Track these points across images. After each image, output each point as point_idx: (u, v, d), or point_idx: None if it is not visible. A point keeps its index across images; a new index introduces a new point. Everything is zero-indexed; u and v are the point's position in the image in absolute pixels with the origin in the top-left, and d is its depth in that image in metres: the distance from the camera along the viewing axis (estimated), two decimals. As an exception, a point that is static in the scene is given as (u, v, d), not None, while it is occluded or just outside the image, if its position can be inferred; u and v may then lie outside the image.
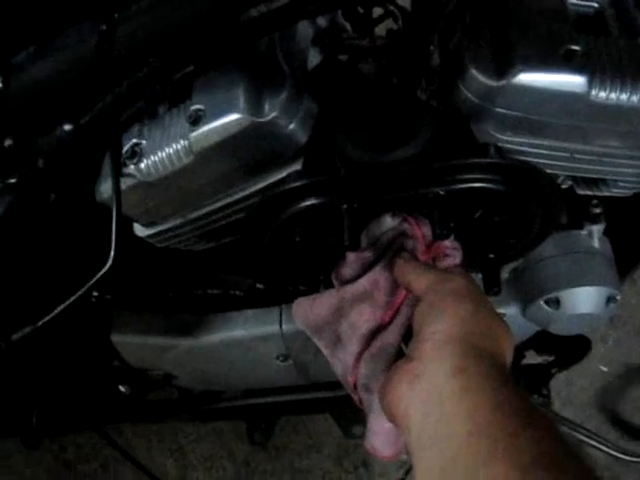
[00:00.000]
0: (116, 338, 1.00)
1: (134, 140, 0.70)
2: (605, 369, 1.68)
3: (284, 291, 0.96)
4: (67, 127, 0.71)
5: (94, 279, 0.66)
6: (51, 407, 1.15)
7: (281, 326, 0.96)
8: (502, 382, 0.49)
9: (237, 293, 0.99)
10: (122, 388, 1.13)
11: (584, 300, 0.88)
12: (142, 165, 0.68)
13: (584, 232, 0.88)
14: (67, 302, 0.67)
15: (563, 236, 0.87)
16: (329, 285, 0.72)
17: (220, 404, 1.30)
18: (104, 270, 0.67)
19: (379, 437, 0.66)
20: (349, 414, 1.36)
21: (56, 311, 0.68)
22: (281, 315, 0.96)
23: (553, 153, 0.67)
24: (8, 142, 0.75)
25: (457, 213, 0.64)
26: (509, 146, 0.66)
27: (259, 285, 0.96)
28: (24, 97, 0.71)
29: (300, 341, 0.98)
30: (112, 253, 0.67)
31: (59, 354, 1.03)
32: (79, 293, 0.67)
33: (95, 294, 0.94)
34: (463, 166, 0.63)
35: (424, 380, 0.51)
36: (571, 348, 1.07)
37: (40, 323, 0.69)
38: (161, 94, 0.72)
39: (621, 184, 0.73)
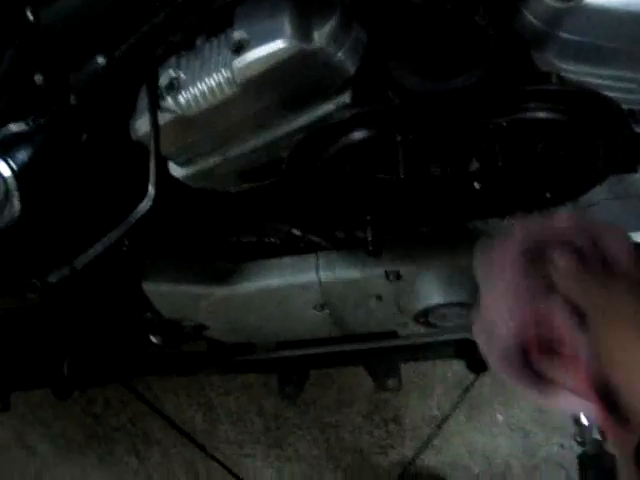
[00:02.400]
0: (148, 287, 0.97)
1: (171, 73, 0.66)
2: None
3: (322, 237, 0.93)
4: (100, 60, 0.68)
5: (133, 217, 0.64)
6: (83, 358, 1.14)
7: (319, 274, 0.93)
8: None
9: (272, 240, 0.96)
10: (154, 339, 1.11)
11: (637, 247, 0.85)
12: (180, 98, 0.65)
13: (638, 176, 0.84)
14: (107, 241, 0.65)
15: (616, 179, 0.84)
16: (376, 226, 0.69)
17: (251, 357, 1.28)
18: (144, 209, 0.64)
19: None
20: (384, 367, 1.33)
21: (94, 251, 0.65)
22: (318, 262, 0.93)
23: (618, 84, 0.62)
24: (39, 78, 0.72)
25: (518, 146, 0.60)
26: (572, 76, 0.62)
27: (295, 231, 0.93)
28: (55, 30, 0.68)
29: (338, 290, 0.95)
30: (152, 192, 0.64)
31: (91, 304, 1.01)
32: (118, 232, 0.64)
33: (126, 242, 0.92)
34: (528, 93, 0.59)
35: None
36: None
37: (77, 264, 0.66)
38: (199, 24, 0.69)
39: (688, 122, 0.68)
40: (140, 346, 1.15)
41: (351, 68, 0.63)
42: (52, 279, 0.66)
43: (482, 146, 0.61)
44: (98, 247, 0.66)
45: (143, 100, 0.69)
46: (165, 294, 0.98)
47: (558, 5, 0.57)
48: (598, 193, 0.83)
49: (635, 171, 0.83)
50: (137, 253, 0.97)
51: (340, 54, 0.62)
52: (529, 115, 0.59)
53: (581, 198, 0.81)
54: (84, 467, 1.72)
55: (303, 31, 0.60)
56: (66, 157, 0.77)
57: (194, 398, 1.68)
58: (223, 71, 0.62)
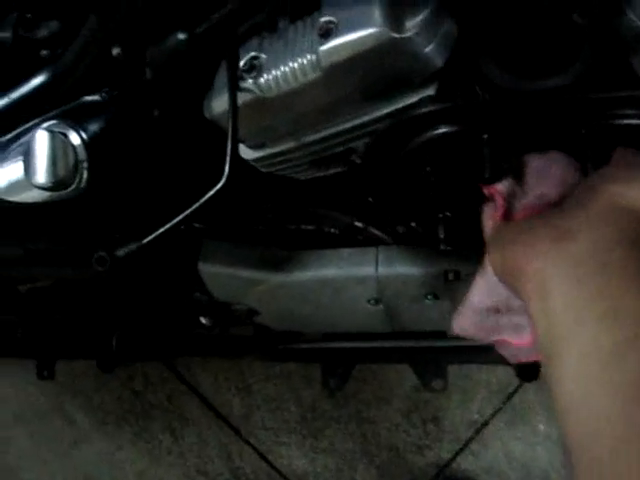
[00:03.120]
0: (203, 268, 0.97)
1: (253, 53, 0.65)
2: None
3: (383, 231, 0.92)
4: (181, 36, 0.67)
5: (207, 195, 0.63)
6: (132, 333, 1.15)
7: (377, 268, 0.91)
8: None
9: (333, 231, 0.95)
10: (203, 320, 1.11)
11: None
12: (261, 80, 0.64)
13: None
14: (177, 219, 0.64)
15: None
16: (449, 224, 0.68)
17: (297, 345, 1.27)
18: (216, 188, 0.63)
19: (472, 316, 0.62)
20: (430, 367, 1.32)
21: (164, 228, 0.65)
22: (377, 257, 0.92)
23: None
24: (116, 51, 0.72)
25: (609, 151, 0.58)
26: (671, 83, 0.59)
27: (358, 223, 0.92)
28: (136, 3, 0.67)
29: (395, 285, 0.94)
30: (227, 170, 0.63)
31: (146, 280, 1.02)
32: (189, 210, 0.64)
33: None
34: (623, 99, 0.56)
35: (580, 240, 0.43)
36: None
37: (146, 240, 0.66)
38: (282, 7, 0.68)
39: None
40: (188, 326, 1.15)
41: (439, 61, 0.61)
42: (120, 253, 0.66)
43: (572, 150, 0.59)
44: (167, 225, 0.65)
45: (221, 79, 0.68)
46: (220, 276, 0.98)
47: (665, 8, 0.54)
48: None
49: None
50: (196, 233, 0.97)
51: (431, 46, 0.59)
52: (622, 121, 0.57)
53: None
54: (119, 441, 1.74)
55: (395, 20, 0.58)
56: (137, 131, 0.77)
57: (233, 382, 1.69)
58: (308, 55, 0.61)
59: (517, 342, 0.59)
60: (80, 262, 0.69)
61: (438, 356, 1.28)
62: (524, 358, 0.60)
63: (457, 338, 1.22)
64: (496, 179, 0.57)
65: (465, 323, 0.64)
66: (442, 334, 1.23)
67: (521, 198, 0.56)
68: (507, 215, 0.56)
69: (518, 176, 0.58)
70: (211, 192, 0.63)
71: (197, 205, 0.64)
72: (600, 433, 0.39)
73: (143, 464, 1.75)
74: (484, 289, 0.59)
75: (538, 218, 0.48)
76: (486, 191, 0.59)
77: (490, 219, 0.58)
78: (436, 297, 0.94)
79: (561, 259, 0.43)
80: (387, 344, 1.23)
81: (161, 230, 0.66)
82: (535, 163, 0.58)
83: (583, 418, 0.40)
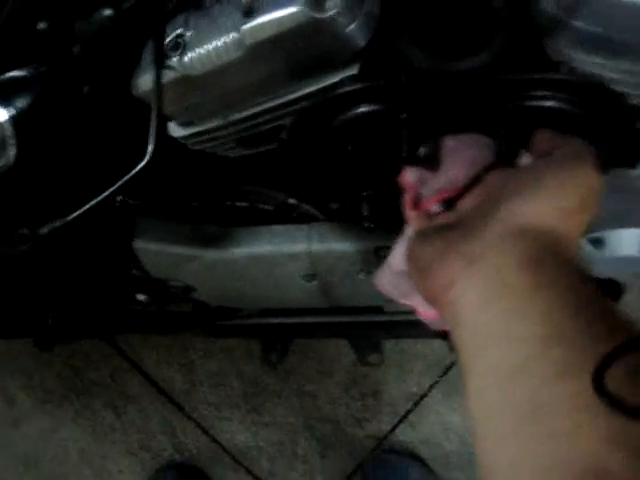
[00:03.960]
0: (138, 245, 0.97)
1: (178, 31, 0.65)
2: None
3: (316, 208, 0.93)
4: (108, 12, 0.67)
5: (130, 174, 0.63)
6: (67, 311, 1.14)
7: (310, 245, 0.93)
8: (582, 282, 0.43)
9: (266, 207, 0.95)
10: (140, 297, 1.11)
11: (630, 242, 0.85)
12: (186, 58, 0.63)
13: (638, 172, 0.84)
14: (101, 196, 0.64)
15: (615, 174, 0.84)
16: (373, 202, 0.69)
17: (236, 321, 1.28)
18: (140, 166, 0.63)
19: (389, 277, 0.65)
20: (367, 341, 1.34)
21: (88, 205, 0.65)
22: (310, 233, 0.93)
23: (630, 79, 0.62)
24: (42, 25, 0.71)
25: (522, 132, 0.59)
26: (583, 66, 0.60)
27: (291, 200, 0.93)
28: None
29: (328, 261, 0.95)
30: (150, 149, 0.63)
31: (79, 257, 1.01)
32: (113, 188, 0.64)
33: (119, 198, 0.91)
34: (536, 81, 0.58)
35: (485, 266, 0.45)
36: (605, 292, 1.04)
37: (70, 218, 0.66)
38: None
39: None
40: (125, 303, 1.15)
41: (361, 41, 0.61)
42: (43, 231, 0.65)
43: (487, 129, 0.60)
44: (92, 202, 0.65)
45: (147, 57, 0.67)
46: (155, 253, 0.98)
47: (576, -8, 0.56)
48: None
49: (634, 166, 0.83)
50: (129, 210, 0.96)
51: (352, 25, 0.60)
52: (534, 103, 0.59)
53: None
54: (61, 419, 1.73)
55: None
56: (66, 107, 0.76)
57: (175, 358, 1.69)
58: (232, 33, 0.61)
59: (424, 313, 0.61)
60: (3, 240, 0.68)
61: (374, 331, 1.31)
62: (439, 327, 0.62)
63: (392, 313, 1.26)
64: (413, 159, 0.59)
65: (383, 282, 0.67)
66: (378, 309, 1.26)
67: (432, 183, 0.58)
68: (416, 202, 0.57)
69: (430, 160, 0.59)
70: (134, 171, 0.63)
71: (120, 183, 0.64)
72: (497, 453, 0.41)
73: (85, 441, 1.74)
74: (402, 254, 0.60)
75: (448, 241, 0.48)
76: (399, 180, 0.60)
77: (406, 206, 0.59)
78: (369, 273, 0.95)
79: (469, 285, 0.45)
80: (324, 319, 1.24)
81: (86, 207, 0.66)
82: (449, 145, 0.60)
83: (483, 438, 0.42)
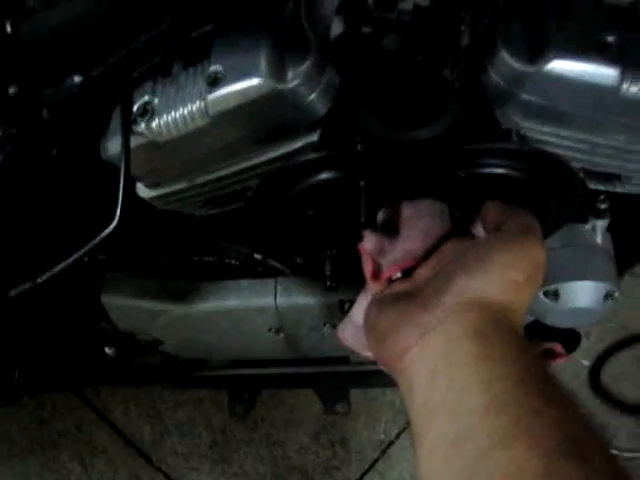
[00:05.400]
0: (107, 299, 0.98)
1: (146, 97, 0.67)
2: (587, 363, 1.70)
3: (282, 263, 0.95)
4: (77, 79, 0.69)
5: (99, 237, 0.65)
6: (34, 364, 1.14)
7: (276, 299, 0.95)
8: (524, 352, 0.46)
9: (233, 262, 0.97)
10: (108, 350, 1.12)
11: (583, 294, 0.88)
12: (153, 124, 0.66)
13: (588, 226, 0.88)
14: (70, 260, 0.66)
15: (567, 229, 0.87)
16: (335, 261, 0.72)
17: (204, 373, 1.29)
18: (109, 229, 0.65)
19: (352, 331, 0.68)
20: (334, 391, 1.36)
21: (57, 269, 0.66)
22: (276, 287, 0.96)
23: (574, 145, 0.66)
24: (13, 89, 0.73)
25: (475, 197, 0.62)
26: (531, 134, 0.64)
27: (257, 255, 0.95)
28: (34, 44, 0.69)
29: (294, 315, 0.97)
30: (118, 212, 0.65)
31: (48, 310, 1.02)
32: (83, 251, 0.65)
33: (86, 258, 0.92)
34: (487, 150, 0.61)
35: (437, 338, 0.48)
36: (562, 341, 1.07)
37: (40, 280, 0.67)
38: (177, 52, 0.70)
39: (635, 181, 0.72)
40: (94, 356, 1.15)
41: (322, 109, 0.65)
42: (13, 293, 0.67)
43: (442, 196, 0.63)
44: (61, 264, 0.66)
45: (116, 121, 0.69)
46: (123, 308, 0.99)
47: (521, 68, 0.59)
48: (550, 241, 0.86)
49: (586, 221, 0.87)
50: (98, 265, 0.98)
51: (313, 95, 0.63)
52: (487, 170, 0.62)
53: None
54: (26, 472, 1.70)
55: (278, 71, 0.61)
56: (35, 169, 0.78)
57: (143, 409, 1.68)
58: (197, 102, 0.63)
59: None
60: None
61: (341, 381, 1.32)
62: None
63: (358, 363, 1.27)
64: (370, 224, 0.62)
65: (345, 335, 0.70)
66: (344, 359, 1.27)
67: (389, 253, 0.61)
68: (376, 273, 0.60)
69: (389, 226, 0.62)
70: (103, 234, 0.64)
71: (90, 246, 0.65)
72: None
73: (52, 495, 1.71)
74: (363, 309, 0.62)
75: (403, 312, 0.51)
76: (359, 248, 0.63)
77: (367, 276, 0.62)
78: (334, 326, 0.97)
79: (420, 356, 0.48)
80: (291, 370, 1.26)
81: (55, 270, 0.67)
82: (405, 213, 0.63)
83: None
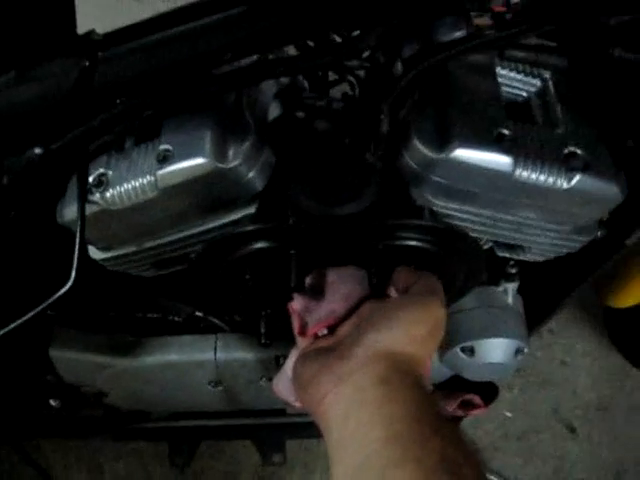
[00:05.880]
0: (54, 353, 1.03)
1: (101, 170, 0.74)
2: (509, 415, 1.79)
3: (221, 320, 1.02)
4: (37, 150, 0.75)
5: (53, 297, 0.71)
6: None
7: (216, 353, 1.01)
8: (421, 393, 0.55)
9: (176, 319, 1.04)
10: (53, 402, 1.15)
11: (496, 350, 0.97)
12: (107, 194, 0.73)
13: (500, 289, 0.97)
14: (25, 318, 0.71)
15: (481, 291, 0.97)
16: (269, 320, 0.80)
17: (145, 424, 1.33)
18: (64, 290, 0.71)
19: (285, 383, 0.75)
20: (270, 442, 1.41)
21: (12, 325, 0.72)
22: (216, 343, 1.02)
23: (478, 219, 0.75)
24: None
25: (391, 266, 0.71)
26: (441, 210, 0.74)
27: (198, 313, 1.02)
28: (-1, 118, 0.75)
29: (232, 369, 1.04)
30: (73, 274, 0.71)
31: (-4, 364, 1.06)
32: (38, 309, 0.71)
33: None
34: (401, 226, 0.70)
35: (349, 384, 0.56)
36: (481, 393, 1.16)
37: (-3, 335, 0.72)
38: (129, 130, 0.78)
39: (535, 250, 0.82)
40: (38, 408, 1.19)
41: (259, 185, 0.73)
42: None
43: (362, 264, 0.72)
44: (20, 320, 0.72)
45: (72, 190, 0.76)
46: (70, 361, 1.04)
47: (431, 155, 0.68)
48: (466, 302, 0.96)
49: (497, 284, 0.97)
50: (47, 320, 1.03)
51: (251, 173, 0.71)
52: (402, 243, 0.71)
53: (450, 307, 0.94)
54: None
55: (220, 151, 0.69)
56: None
57: (84, 462, 1.69)
58: (148, 176, 0.71)
59: None
60: None
61: (277, 432, 1.38)
62: None
63: (294, 415, 1.33)
64: (300, 288, 0.70)
65: (279, 387, 0.77)
66: (281, 412, 1.34)
67: (314, 313, 0.69)
68: (302, 329, 0.68)
69: (315, 289, 0.71)
70: (58, 294, 0.70)
71: (45, 305, 0.71)
72: None
73: None
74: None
75: (323, 364, 0.59)
76: (288, 308, 0.71)
77: (295, 332, 0.70)
78: (270, 379, 1.04)
79: (336, 401, 0.56)
80: (230, 422, 1.31)
81: (12, 326, 0.73)
82: (330, 278, 0.71)
83: None
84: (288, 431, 1.39)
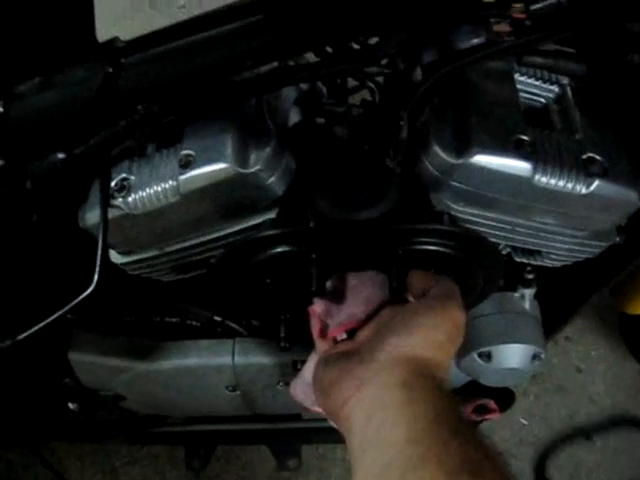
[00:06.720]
0: (73, 356, 1.04)
1: (123, 174, 0.75)
2: (525, 422, 1.79)
3: (240, 325, 1.03)
4: (60, 155, 0.76)
5: (76, 300, 0.72)
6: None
7: (233, 358, 1.02)
8: (442, 396, 0.55)
9: (194, 323, 1.05)
10: (71, 405, 1.16)
11: (513, 356, 0.97)
12: (129, 199, 0.74)
13: (517, 294, 0.98)
14: (47, 320, 0.72)
15: (499, 297, 0.97)
16: (289, 324, 0.80)
17: (161, 428, 1.34)
18: (87, 292, 0.72)
19: (303, 387, 0.75)
20: (286, 447, 1.41)
21: (36, 328, 0.73)
22: (234, 348, 1.03)
23: (498, 225, 0.76)
24: (0, 162, 0.80)
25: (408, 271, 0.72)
26: (460, 215, 0.74)
27: (217, 317, 1.03)
28: (23, 123, 0.76)
29: (250, 374, 1.04)
30: (96, 277, 0.72)
31: (13, 366, 1.06)
32: (62, 311, 0.72)
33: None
34: (421, 230, 0.71)
35: (371, 387, 0.56)
36: (497, 399, 1.16)
37: (19, 338, 0.73)
38: (151, 135, 0.79)
39: (553, 256, 0.82)
40: (56, 411, 1.20)
41: (280, 190, 0.74)
42: (-7, 350, 0.73)
43: (382, 268, 0.73)
44: (42, 323, 0.73)
45: (95, 194, 0.77)
46: (89, 364, 1.05)
47: (450, 160, 0.69)
48: (483, 308, 0.96)
49: (515, 290, 0.97)
50: (67, 324, 1.04)
51: (272, 178, 0.72)
52: (421, 247, 0.72)
53: (468, 312, 0.94)
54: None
55: (242, 156, 0.70)
56: (16, 233, 0.85)
57: (99, 465, 1.70)
58: (170, 181, 0.71)
59: None
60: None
61: (293, 437, 1.39)
62: None
63: (310, 420, 1.34)
64: (321, 292, 0.70)
65: (297, 391, 0.78)
66: (297, 417, 1.34)
67: (335, 316, 0.70)
68: (323, 332, 0.69)
69: (336, 292, 0.71)
70: (80, 297, 0.71)
71: (67, 308, 0.72)
72: None
73: None
74: (312, 367, 0.70)
75: (345, 368, 0.60)
76: (309, 311, 0.72)
77: (314, 335, 0.71)
78: (287, 384, 1.05)
79: (358, 404, 0.57)
80: (246, 426, 1.32)
81: (35, 328, 0.74)
82: (350, 282, 0.72)
83: None
84: (304, 436, 1.39)
